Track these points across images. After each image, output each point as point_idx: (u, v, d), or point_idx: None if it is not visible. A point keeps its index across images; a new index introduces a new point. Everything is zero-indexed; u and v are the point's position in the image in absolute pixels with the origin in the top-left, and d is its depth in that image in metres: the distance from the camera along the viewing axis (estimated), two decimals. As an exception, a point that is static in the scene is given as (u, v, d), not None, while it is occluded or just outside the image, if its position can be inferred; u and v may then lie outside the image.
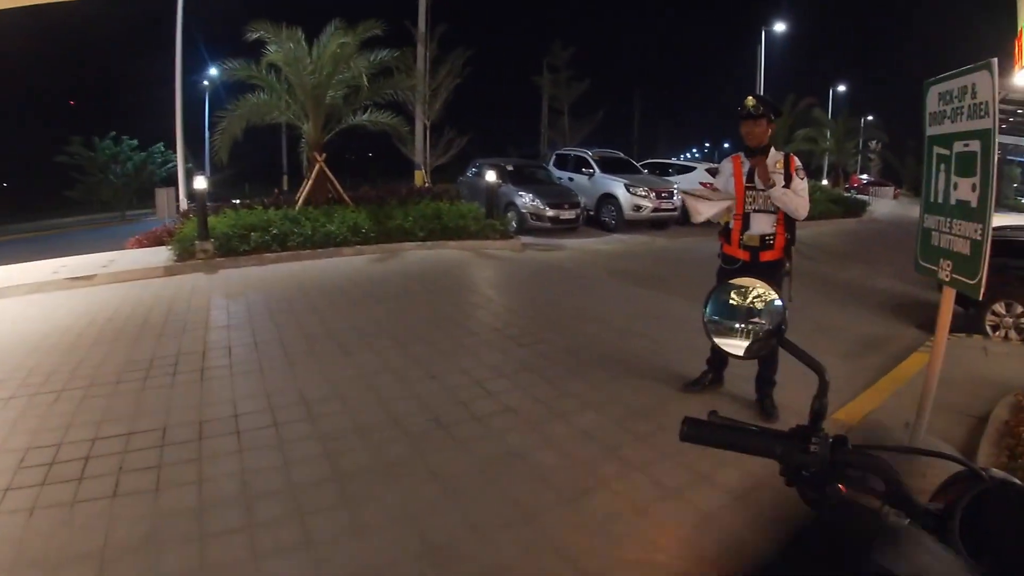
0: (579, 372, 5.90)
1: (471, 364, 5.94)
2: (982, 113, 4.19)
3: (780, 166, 4.93)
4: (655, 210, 17.28)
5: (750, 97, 4.94)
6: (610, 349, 6.64)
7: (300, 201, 13.54)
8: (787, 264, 5.04)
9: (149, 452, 4.12)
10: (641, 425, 4.76)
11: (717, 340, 1.40)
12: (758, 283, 1.41)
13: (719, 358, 5.29)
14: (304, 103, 13.93)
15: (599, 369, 5.99)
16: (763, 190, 4.91)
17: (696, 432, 1.18)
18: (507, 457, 4.23)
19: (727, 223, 5.11)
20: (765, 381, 5.07)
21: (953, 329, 7.73)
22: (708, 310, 1.44)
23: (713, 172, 19.99)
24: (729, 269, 5.05)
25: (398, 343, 6.42)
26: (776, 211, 4.93)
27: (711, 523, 3.60)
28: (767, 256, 4.99)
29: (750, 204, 4.99)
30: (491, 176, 14.40)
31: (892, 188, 47.81)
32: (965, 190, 4.35)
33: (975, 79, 4.23)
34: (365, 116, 14.91)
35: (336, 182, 14.09)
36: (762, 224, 4.98)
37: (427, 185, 18.80)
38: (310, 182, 13.83)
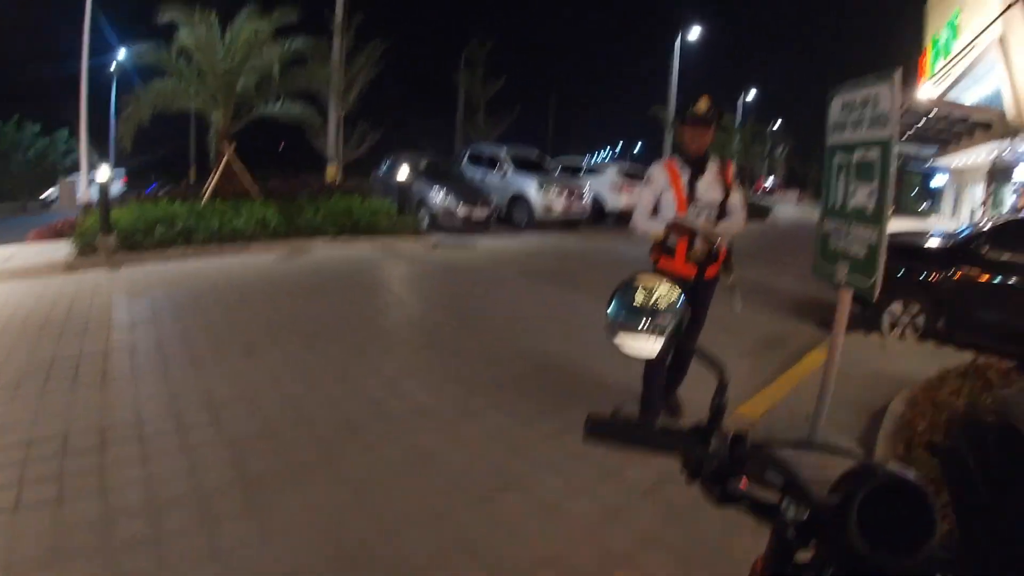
0: (490, 372, 5.94)
1: (381, 363, 5.92)
2: (883, 123, 4.38)
3: (719, 176, 4.64)
4: (566, 210, 17.50)
5: (704, 99, 4.52)
6: (521, 348, 6.70)
7: (207, 194, 13.16)
8: (730, 276, 4.76)
9: (50, 461, 3.93)
10: (550, 424, 4.83)
11: (618, 340, 1.40)
12: (663, 282, 1.41)
13: (652, 397, 4.83)
14: (215, 90, 13.53)
15: (510, 369, 6.05)
16: (710, 203, 4.58)
17: (599, 431, 1.18)
18: (418, 458, 4.23)
19: (665, 240, 4.61)
20: (673, 379, 5.03)
21: (852, 327, 8.13)
22: (612, 310, 1.43)
23: (628, 173, 20.33)
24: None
25: (307, 343, 6.34)
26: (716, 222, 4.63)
27: (619, 518, 3.70)
28: (712, 271, 4.68)
29: (696, 215, 4.57)
30: (404, 172, 14.33)
31: (796, 192, 49.42)
32: (863, 197, 4.56)
33: (878, 90, 4.41)
34: (277, 106, 14.57)
35: (245, 174, 13.75)
36: (703, 239, 4.56)
37: (339, 180, 18.55)
38: (218, 174, 13.45)
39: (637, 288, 1.42)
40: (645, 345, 1.38)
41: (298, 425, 4.59)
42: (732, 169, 4.74)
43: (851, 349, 7.12)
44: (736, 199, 4.72)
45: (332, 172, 19.56)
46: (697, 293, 4.59)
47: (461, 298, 9.04)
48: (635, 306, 1.40)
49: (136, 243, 10.42)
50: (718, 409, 1.19)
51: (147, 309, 7.36)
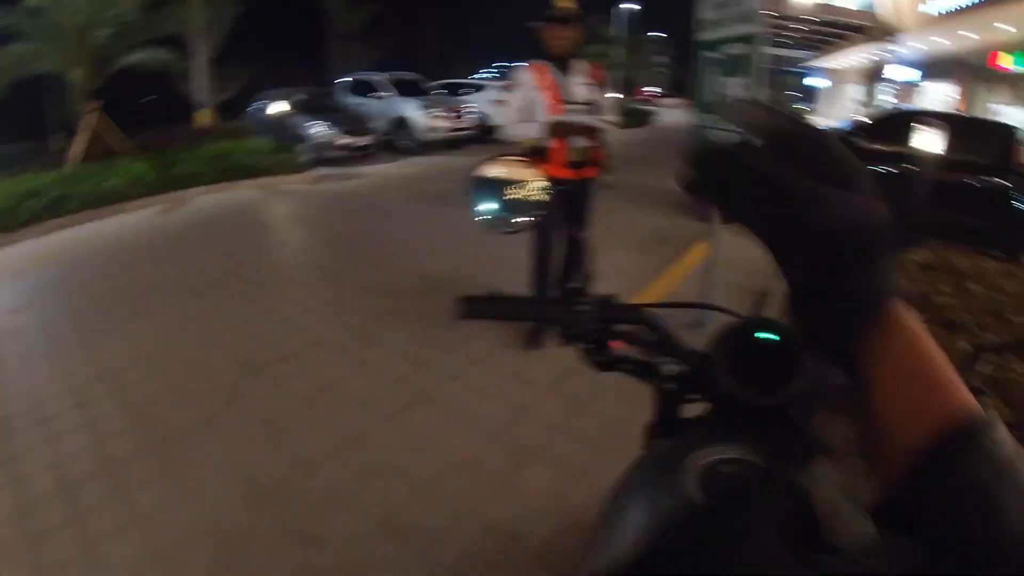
0: (385, 296, 5.94)
1: (275, 304, 5.82)
2: (749, 17, 4.46)
3: (587, 76, 4.56)
4: (450, 130, 17.31)
5: None
6: (414, 270, 6.71)
7: (73, 158, 12.35)
8: (610, 177, 4.80)
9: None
10: (451, 335, 4.88)
11: (494, 227, 1.39)
12: (520, 162, 1.40)
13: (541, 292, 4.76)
14: (72, 48, 12.53)
15: (405, 291, 6.07)
16: (581, 102, 4.48)
17: (473, 308, 1.20)
18: (324, 389, 4.24)
19: (539, 143, 4.46)
20: (568, 272, 4.85)
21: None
22: (482, 205, 1.40)
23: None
24: (555, 192, 4.60)
25: (197, 295, 6.13)
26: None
27: (527, 415, 3.86)
28: (589, 172, 4.62)
29: (568, 115, 4.44)
30: (278, 107, 13.85)
31: (679, 99, 50.23)
32: (734, 90, 4.67)
33: None
34: (140, 55, 13.70)
35: (114, 132, 12.95)
36: (580, 140, 4.50)
37: (213, 124, 17.78)
38: (85, 135, 12.62)
39: (495, 178, 1.40)
40: (511, 227, 1.36)
41: (197, 378, 4.48)
42: (597, 69, 4.67)
43: (736, 238, 7.37)
44: (606, 99, 4.69)
45: (205, 116, 18.72)
46: (576, 194, 4.62)
47: (348, 229, 8.93)
48: (496, 195, 1.39)
49: (4, 224, 9.68)
50: (587, 275, 1.20)
51: (28, 289, 6.89)
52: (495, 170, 1.39)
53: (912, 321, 0.52)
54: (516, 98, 4.54)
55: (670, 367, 1.09)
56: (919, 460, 0.46)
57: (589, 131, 4.48)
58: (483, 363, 4.50)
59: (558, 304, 1.15)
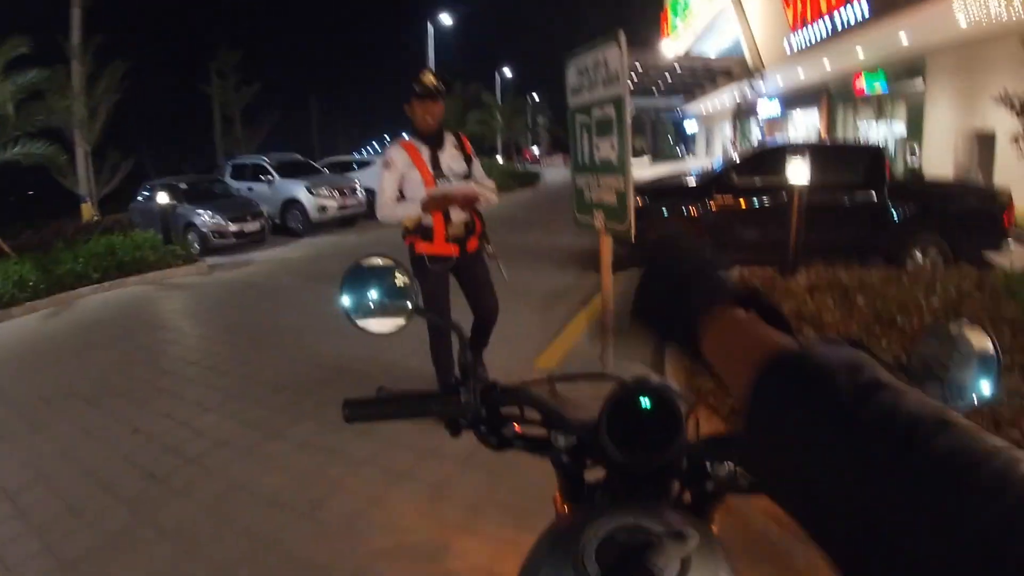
0: (286, 386, 5.88)
1: (174, 406, 5.64)
2: (614, 80, 4.69)
3: (458, 148, 4.63)
4: (341, 208, 17.37)
5: (428, 73, 4.47)
6: (315, 355, 6.67)
7: None
8: (488, 246, 4.74)
9: None
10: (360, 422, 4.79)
11: (363, 324, 1.36)
12: (390, 260, 1.39)
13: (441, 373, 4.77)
14: None
15: (307, 378, 6.01)
16: (457, 175, 4.54)
17: (358, 412, 1.21)
18: (232, 491, 4.14)
19: (419, 221, 4.47)
20: (477, 345, 4.91)
21: (629, 267, 8.74)
22: (347, 299, 1.36)
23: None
24: (438, 270, 4.53)
25: (92, 403, 5.89)
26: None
27: (446, 492, 3.87)
28: (472, 245, 4.63)
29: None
30: (164, 197, 13.55)
31: (562, 157, 51.55)
32: (606, 149, 4.91)
33: (606, 52, 4.73)
34: (17, 149, 13.08)
35: None
36: (460, 212, 4.51)
37: (96, 218, 17.17)
38: None
39: (368, 270, 1.39)
40: (388, 324, 1.37)
41: (102, 492, 4.30)
42: (467, 141, 4.76)
43: (630, 284, 7.63)
44: (479, 169, 4.76)
45: (87, 211, 18.06)
46: (465, 268, 4.65)
47: (244, 319, 8.81)
48: (371, 288, 1.37)
49: None
50: (464, 365, 1.23)
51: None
52: (365, 272, 1.39)
53: (736, 313, 0.73)
54: (390, 179, 4.51)
55: (561, 440, 1.13)
56: (745, 399, 0.56)
57: (467, 203, 4.49)
58: (397, 444, 4.48)
59: (440, 398, 1.20)
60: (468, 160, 4.65)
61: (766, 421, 0.53)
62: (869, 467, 0.43)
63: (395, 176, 4.49)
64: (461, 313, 4.51)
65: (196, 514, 3.91)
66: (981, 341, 1.06)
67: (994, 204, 9.02)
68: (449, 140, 4.62)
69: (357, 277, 1.36)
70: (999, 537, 0.35)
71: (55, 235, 13.27)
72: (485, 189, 4.56)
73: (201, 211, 14.76)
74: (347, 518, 3.72)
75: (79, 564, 3.52)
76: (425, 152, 4.49)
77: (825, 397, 0.49)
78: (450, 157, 4.57)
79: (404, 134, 4.62)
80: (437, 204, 4.37)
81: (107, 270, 11.70)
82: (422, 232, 4.49)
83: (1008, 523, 0.35)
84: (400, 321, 1.35)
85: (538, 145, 63.86)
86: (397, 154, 4.50)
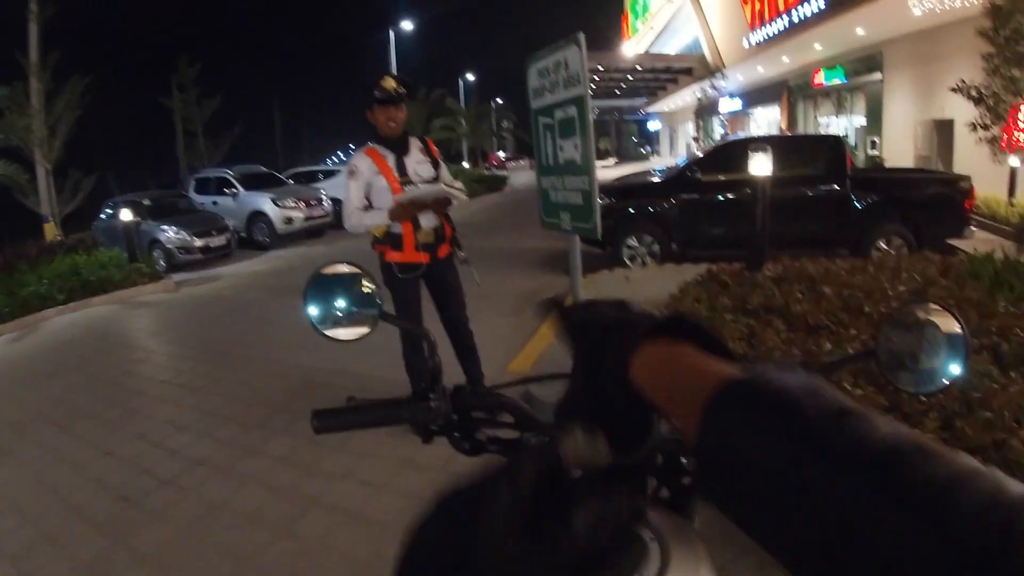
0: (259, 401, 5.84)
1: (146, 427, 5.57)
2: (576, 82, 4.74)
3: (424, 153, 4.57)
4: (308, 219, 17.36)
5: (389, 78, 4.37)
6: (285, 369, 6.64)
7: None
8: (460, 252, 4.68)
9: None
10: (333, 436, 4.73)
11: (330, 333, 1.35)
12: (351, 267, 1.36)
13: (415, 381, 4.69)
14: None
15: (281, 391, 5.99)
16: (424, 181, 4.47)
17: (327, 422, 1.19)
18: (209, 512, 4.09)
19: (387, 229, 4.42)
20: (467, 362, 4.84)
21: (599, 267, 8.87)
22: (312, 308, 1.34)
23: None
24: (409, 278, 4.51)
25: (62, 428, 5.79)
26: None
27: (423, 502, 3.79)
28: (443, 251, 4.58)
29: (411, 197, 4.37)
30: (127, 215, 13.39)
31: (528, 160, 51.70)
32: (570, 150, 4.94)
33: (567, 54, 4.76)
34: None
35: None
36: (429, 218, 4.45)
37: (59, 238, 16.87)
38: None
39: (331, 278, 1.37)
40: (355, 331, 1.36)
41: (76, 518, 4.23)
42: (433, 145, 4.70)
43: (600, 285, 7.76)
44: (447, 173, 4.71)
45: (50, 231, 17.74)
46: (436, 275, 4.61)
47: (215, 334, 8.72)
48: (335, 296, 1.35)
49: None
50: (434, 370, 1.22)
51: None
52: (327, 280, 1.38)
53: (668, 345, 0.67)
54: (356, 187, 4.45)
55: (534, 441, 1.14)
56: (695, 430, 0.54)
57: (437, 208, 4.44)
58: (372, 456, 4.47)
59: (410, 404, 1.18)
60: (435, 164, 4.60)
61: (721, 451, 0.52)
62: (848, 495, 0.43)
63: (360, 184, 4.43)
64: (434, 323, 4.50)
65: (173, 536, 3.87)
66: (948, 323, 1.07)
67: (956, 191, 9.21)
68: (415, 145, 4.57)
69: (321, 285, 1.35)
70: (987, 560, 0.36)
71: (18, 256, 13.00)
72: (454, 190, 4.49)
73: (166, 227, 14.61)
74: (326, 533, 3.70)
75: (55, 593, 3.45)
76: (391, 159, 4.44)
77: (789, 424, 0.48)
78: (416, 162, 4.52)
79: (369, 142, 4.54)
80: (405, 212, 4.32)
81: (72, 291, 11.54)
82: (391, 241, 4.44)
83: (996, 546, 0.36)
84: (367, 328, 1.33)
85: (503, 149, 64.08)
86: (362, 162, 4.45)
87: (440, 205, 4.42)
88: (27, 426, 5.95)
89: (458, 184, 4.68)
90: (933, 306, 1.11)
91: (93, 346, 8.78)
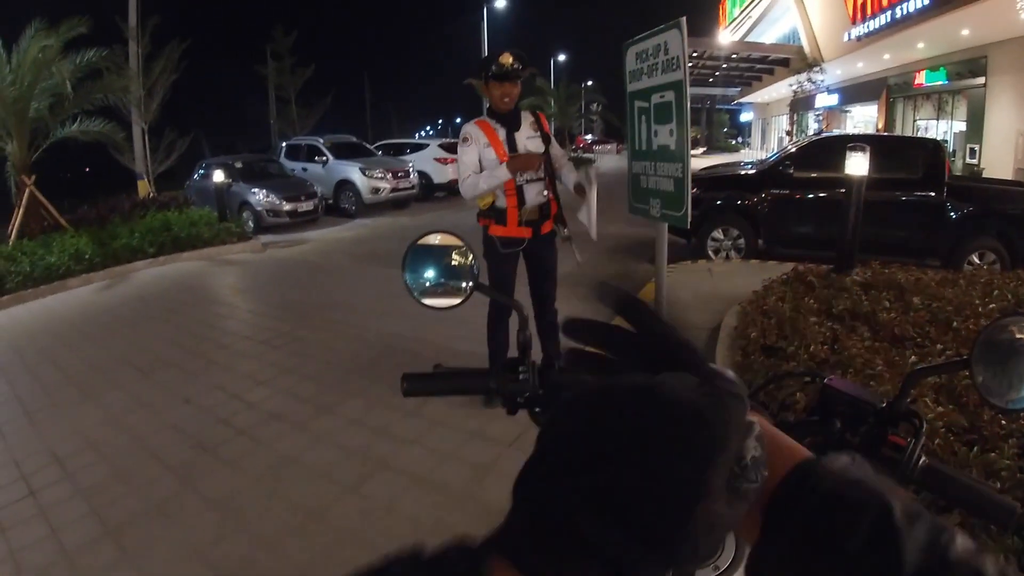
0: (337, 363, 5.90)
1: (225, 379, 5.70)
2: (674, 67, 4.65)
3: (535, 128, 4.55)
4: (394, 190, 17.47)
5: (507, 54, 4.32)
6: (365, 334, 6.69)
7: (12, 234, 11.88)
8: (564, 230, 4.65)
9: None
10: (408, 400, 4.72)
11: (426, 301, 1.34)
12: (450, 237, 1.35)
13: (494, 354, 4.70)
14: (5, 120, 12.06)
15: (358, 356, 6.03)
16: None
17: (416, 386, 1.20)
18: (281, 465, 4.16)
19: (492, 203, 4.48)
20: (547, 338, 4.75)
21: (681, 258, 8.75)
22: (409, 275, 1.34)
23: (447, 147, 20.37)
24: (511, 252, 4.53)
25: (144, 373, 5.98)
26: (544, 178, 4.49)
27: (490, 475, 3.84)
28: (546, 228, 4.58)
29: (520, 175, 4.40)
30: (219, 176, 13.74)
31: (615, 144, 51.17)
32: (664, 136, 4.84)
33: (667, 37, 4.67)
34: (75, 126, 13.26)
35: (50, 206, 12.43)
36: (534, 194, 4.47)
37: (152, 195, 17.44)
38: (20, 211, 12.27)
39: (429, 248, 1.36)
40: (448, 300, 1.35)
41: (150, 460, 4.35)
42: (545, 120, 4.66)
43: (683, 277, 7.63)
44: (557, 148, 4.65)
45: (143, 188, 18.32)
46: (535, 250, 4.58)
47: (297, 296, 8.85)
48: (432, 265, 1.35)
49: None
50: (523, 343, 1.19)
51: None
52: (427, 247, 1.37)
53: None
54: (470, 153, 4.42)
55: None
56: (765, 514, 0.49)
57: (544, 185, 4.46)
58: (443, 425, 4.49)
59: (499, 375, 1.16)
60: (546, 139, 4.55)
61: (782, 540, 0.48)
62: None
63: (474, 151, 4.42)
64: (523, 298, 4.49)
65: (243, 485, 3.95)
66: None
67: None
68: (526, 120, 4.53)
69: (419, 253, 1.34)
70: None
71: (111, 210, 13.48)
72: (570, 167, 4.59)
73: (256, 190, 14.94)
74: (391, 496, 3.73)
75: (124, 529, 3.58)
76: (501, 133, 4.43)
77: (833, 537, 0.45)
78: (526, 137, 4.50)
79: (483, 115, 4.55)
80: (523, 164, 4.33)
81: (162, 245, 11.93)
82: (496, 215, 4.47)
83: None
84: (460, 297, 1.31)
85: (592, 132, 63.67)
86: (474, 131, 4.44)
87: (544, 186, 4.47)
88: (111, 370, 6.14)
89: (568, 163, 4.71)
90: None
91: (179, 298, 9.06)
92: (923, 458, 0.95)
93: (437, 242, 1.35)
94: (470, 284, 1.30)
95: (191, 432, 4.71)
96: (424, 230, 1.30)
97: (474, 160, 4.42)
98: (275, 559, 3.24)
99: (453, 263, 1.34)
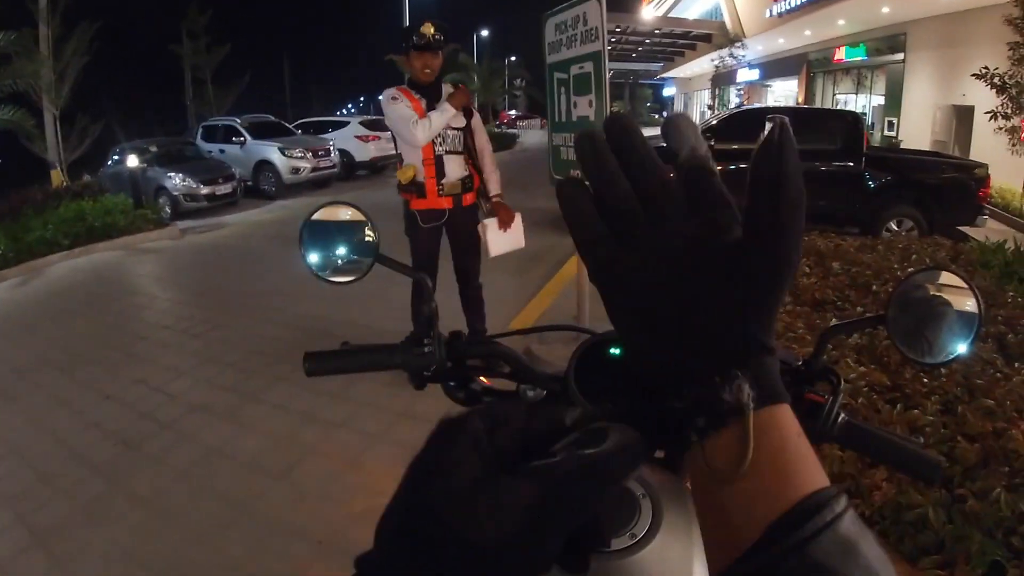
0: (260, 349, 5.84)
1: (147, 371, 5.57)
2: (593, 38, 4.67)
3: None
4: (314, 170, 17.28)
5: (429, 24, 4.28)
6: (288, 318, 6.65)
7: None
8: (486, 204, 4.69)
9: None
10: (334, 383, 4.78)
11: (327, 276, 1.27)
12: (348, 208, 1.29)
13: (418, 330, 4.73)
14: None
15: (280, 340, 5.99)
16: (456, 128, 4.45)
17: (319, 365, 1.16)
18: (207, 457, 4.11)
19: (413, 176, 4.39)
20: (473, 318, 4.85)
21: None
22: (308, 252, 1.25)
23: (369, 124, 20.12)
24: (432, 226, 4.50)
25: (63, 371, 5.80)
26: (463, 151, 4.51)
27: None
28: (468, 199, 4.58)
29: (440, 146, 4.37)
30: (134, 161, 13.33)
31: (539, 119, 51.26)
32: (584, 107, 4.88)
33: (586, 8, 4.69)
34: None
35: None
36: (455, 167, 4.47)
37: (66, 184, 16.77)
38: None
39: (323, 222, 1.33)
40: (353, 272, 1.31)
41: (74, 461, 4.24)
42: (468, 93, 4.62)
43: None
44: (479, 121, 4.67)
45: (57, 177, 17.61)
46: (457, 223, 4.57)
47: (217, 282, 8.73)
48: (331, 239, 1.29)
49: None
50: (428, 316, 1.18)
51: None
52: (324, 220, 1.33)
53: (781, 422, 0.45)
54: (404, 106, 4.30)
55: (530, 393, 1.11)
56: (765, 536, 0.41)
57: (459, 158, 4.48)
58: (371, 406, 4.49)
59: (403, 349, 1.15)
60: (468, 113, 4.52)
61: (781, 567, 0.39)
62: None
63: (402, 122, 4.28)
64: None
65: (171, 480, 3.89)
66: (963, 294, 1.02)
67: (971, 178, 9.11)
68: (447, 92, 4.47)
69: (316, 229, 1.28)
70: None
71: (23, 202, 12.95)
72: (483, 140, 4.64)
73: (172, 174, 14.51)
74: (323, 481, 3.73)
75: (52, 534, 3.49)
76: (423, 104, 4.35)
77: None
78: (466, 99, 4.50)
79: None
80: (464, 97, 4.41)
81: (77, 236, 11.49)
82: (416, 188, 4.42)
83: None
84: (363, 269, 1.26)
85: (516, 108, 63.64)
86: (398, 103, 4.33)
87: (465, 158, 4.53)
88: (29, 370, 5.94)
89: (485, 139, 4.72)
90: (950, 275, 1.05)
91: (96, 291, 8.79)
92: (842, 415, 0.95)
93: (335, 215, 1.31)
94: (371, 256, 1.26)
95: (114, 429, 4.60)
96: (316, 205, 1.26)
97: (409, 111, 4.30)
98: (208, 554, 3.21)
99: (353, 234, 1.29)
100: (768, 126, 0.48)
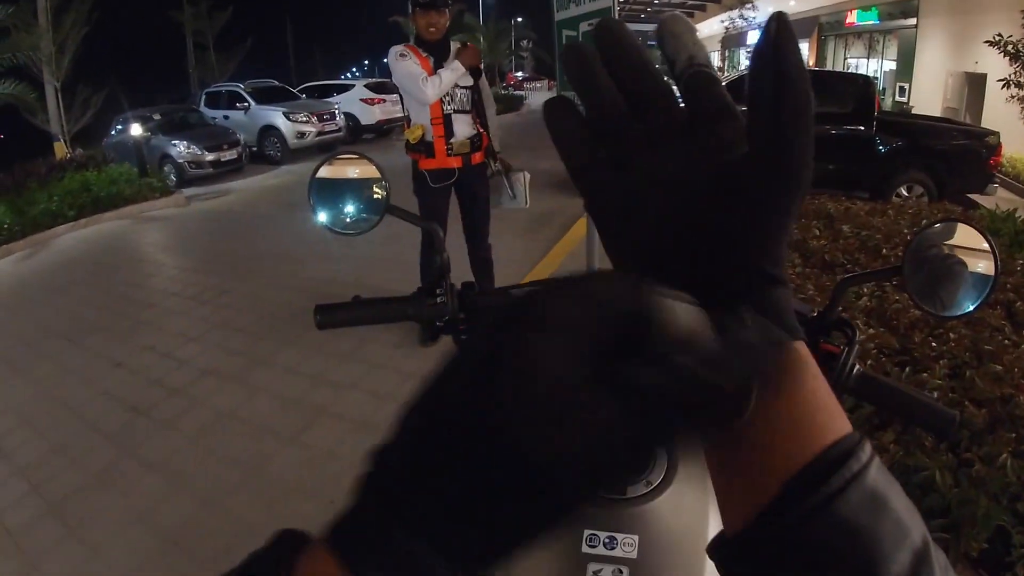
0: (269, 313, 5.83)
1: (155, 338, 5.57)
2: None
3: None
4: (319, 134, 17.07)
5: None
6: (297, 282, 6.61)
7: None
8: (494, 164, 4.65)
9: None
10: (345, 344, 4.80)
11: (337, 228, 1.25)
12: (357, 158, 1.26)
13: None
14: None
15: (290, 305, 5.94)
16: (463, 87, 4.41)
17: (330, 317, 1.14)
18: (218, 421, 4.12)
19: (421, 136, 4.36)
20: (482, 278, 4.75)
21: None
22: (317, 207, 1.22)
23: (374, 87, 19.95)
24: (441, 186, 4.45)
25: (72, 342, 5.79)
26: (471, 110, 4.49)
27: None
28: (477, 159, 4.52)
29: (448, 105, 4.35)
30: (137, 129, 13.25)
31: (547, 81, 50.86)
32: None
33: None
34: None
35: None
36: (463, 126, 4.44)
37: (69, 156, 16.71)
38: None
39: (338, 179, 1.28)
40: (362, 226, 1.26)
41: (86, 430, 4.25)
42: (477, 52, 4.58)
43: None
44: (486, 83, 4.63)
45: (60, 149, 17.55)
46: (466, 182, 4.54)
47: (225, 247, 8.70)
48: (343, 193, 1.27)
49: None
50: (439, 267, 1.13)
51: None
52: (333, 170, 1.27)
53: (796, 360, 0.41)
54: (413, 63, 4.27)
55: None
56: (785, 493, 0.37)
57: (466, 117, 4.43)
58: (381, 367, 4.48)
59: (415, 300, 1.12)
60: (476, 73, 4.47)
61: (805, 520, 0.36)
62: None
63: (411, 79, 4.25)
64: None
65: (182, 445, 3.89)
66: (979, 244, 1.00)
67: (983, 145, 9.01)
68: (455, 52, 4.43)
69: (325, 182, 1.25)
70: None
71: (27, 175, 12.90)
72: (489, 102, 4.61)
73: (176, 142, 14.42)
74: (333, 443, 3.71)
75: (66, 503, 3.50)
76: (430, 62, 4.32)
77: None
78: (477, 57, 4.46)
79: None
80: (474, 54, 4.39)
81: (82, 207, 11.44)
82: (425, 148, 4.38)
83: None
84: (374, 219, 1.23)
85: (522, 70, 63.15)
86: (407, 60, 4.30)
87: (474, 118, 4.49)
88: (39, 342, 5.95)
89: (489, 97, 4.72)
90: (968, 229, 1.02)
91: (104, 261, 8.79)
92: (857, 366, 0.93)
93: (344, 165, 1.27)
94: (382, 206, 1.22)
95: (125, 396, 4.60)
96: (323, 159, 1.21)
97: (418, 68, 4.26)
98: (220, 518, 3.21)
99: (364, 184, 1.26)
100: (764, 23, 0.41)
